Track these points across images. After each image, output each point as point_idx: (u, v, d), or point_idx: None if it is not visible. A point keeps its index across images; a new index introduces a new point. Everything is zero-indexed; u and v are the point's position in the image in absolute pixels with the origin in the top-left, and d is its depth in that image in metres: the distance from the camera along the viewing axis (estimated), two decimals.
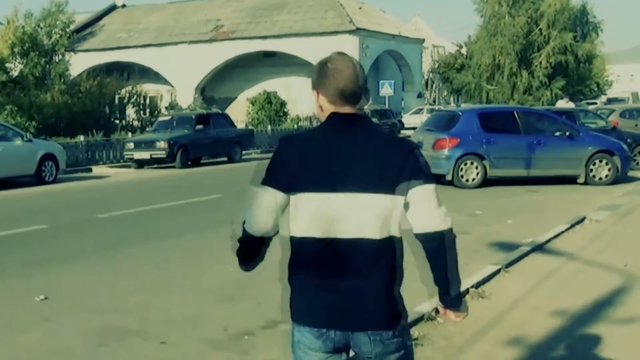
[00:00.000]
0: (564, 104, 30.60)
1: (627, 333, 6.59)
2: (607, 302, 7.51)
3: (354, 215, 3.06)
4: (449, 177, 17.74)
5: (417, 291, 7.73)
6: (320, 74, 3.20)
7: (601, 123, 24.24)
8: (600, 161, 18.12)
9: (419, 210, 3.15)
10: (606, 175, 18.08)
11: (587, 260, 9.48)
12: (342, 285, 3.08)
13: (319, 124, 3.24)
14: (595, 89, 67.43)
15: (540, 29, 52.91)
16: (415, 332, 6.47)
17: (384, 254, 3.13)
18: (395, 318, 3.17)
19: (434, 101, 66.69)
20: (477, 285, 8.02)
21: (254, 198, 3.21)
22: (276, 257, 9.48)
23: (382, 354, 3.14)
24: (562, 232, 11.35)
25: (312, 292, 3.15)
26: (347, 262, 3.09)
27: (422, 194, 3.14)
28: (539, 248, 10.16)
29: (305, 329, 3.16)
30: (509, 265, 9.05)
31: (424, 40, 59.98)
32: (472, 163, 17.73)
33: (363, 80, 3.20)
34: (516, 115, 18.44)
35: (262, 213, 3.21)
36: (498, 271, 8.69)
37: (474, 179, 17.73)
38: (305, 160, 3.11)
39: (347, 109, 3.15)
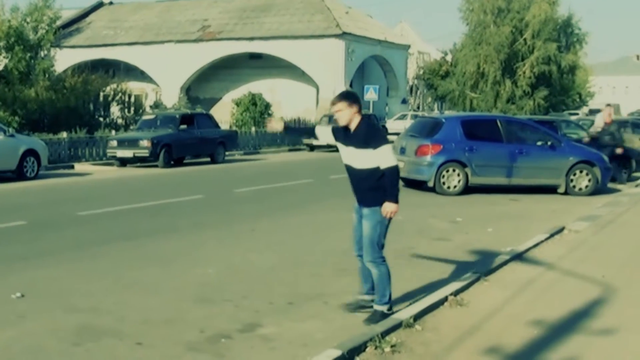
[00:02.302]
0: (607, 115, 22.26)
1: (603, 345, 6.62)
2: (584, 313, 7.54)
3: None
4: (430, 184, 17.79)
5: (397, 299, 7.81)
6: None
7: (582, 134, 24.35)
8: (581, 171, 18.22)
9: None
10: (586, 186, 18.19)
11: (565, 270, 9.52)
12: None
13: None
14: (578, 99, 67.71)
15: (524, 39, 53.10)
16: (392, 339, 6.48)
17: None
18: None
19: (418, 107, 66.80)
20: (456, 293, 8.03)
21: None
22: (254, 260, 9.38)
23: None
24: (542, 241, 11.40)
25: None
26: None
27: None
28: (518, 257, 10.19)
29: None
30: (488, 273, 9.07)
31: (409, 46, 60.08)
32: (454, 170, 17.77)
33: None
34: (499, 124, 18.49)
35: None
36: (477, 279, 8.71)
37: (455, 186, 17.77)
38: None
39: None
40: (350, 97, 7.07)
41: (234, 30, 51.83)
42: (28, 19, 39.96)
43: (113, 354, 6.24)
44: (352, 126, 7.02)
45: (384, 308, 7.17)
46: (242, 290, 8.32)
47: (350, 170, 7.20)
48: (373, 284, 7.29)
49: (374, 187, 6.99)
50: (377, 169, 6.93)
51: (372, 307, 7.29)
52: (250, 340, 6.63)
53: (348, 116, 6.98)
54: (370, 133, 6.97)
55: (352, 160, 7.13)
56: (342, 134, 7.17)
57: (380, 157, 6.88)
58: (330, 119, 38.15)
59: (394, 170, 6.94)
